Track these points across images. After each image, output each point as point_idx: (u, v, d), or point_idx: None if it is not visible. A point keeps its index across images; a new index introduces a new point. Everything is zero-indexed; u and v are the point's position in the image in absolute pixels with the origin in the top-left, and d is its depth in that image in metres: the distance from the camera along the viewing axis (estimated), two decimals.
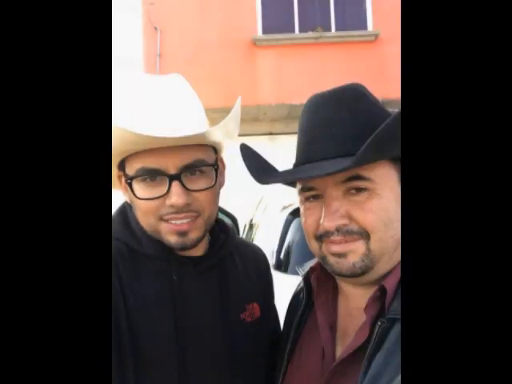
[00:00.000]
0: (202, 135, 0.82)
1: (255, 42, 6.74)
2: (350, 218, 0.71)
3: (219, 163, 0.94)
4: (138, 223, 0.89)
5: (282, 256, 2.44)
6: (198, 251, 0.94)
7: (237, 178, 2.08)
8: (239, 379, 0.92)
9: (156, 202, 0.84)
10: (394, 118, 0.63)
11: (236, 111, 0.90)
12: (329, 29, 6.93)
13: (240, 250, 1.06)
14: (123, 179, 0.89)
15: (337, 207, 0.72)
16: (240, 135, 0.98)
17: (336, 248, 0.73)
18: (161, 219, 0.85)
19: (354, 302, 0.79)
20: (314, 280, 0.85)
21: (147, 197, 0.84)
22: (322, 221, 0.73)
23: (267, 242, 2.51)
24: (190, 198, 0.84)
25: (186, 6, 6.75)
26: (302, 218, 0.79)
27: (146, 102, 0.84)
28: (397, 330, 0.65)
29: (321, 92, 0.78)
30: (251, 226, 3.98)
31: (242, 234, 4.24)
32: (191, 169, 0.84)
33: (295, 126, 0.81)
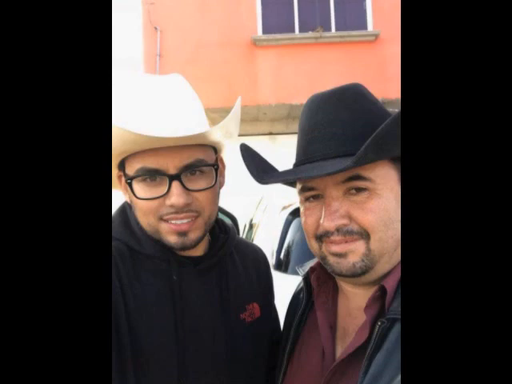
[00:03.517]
0: (202, 135, 0.82)
1: (255, 42, 6.74)
2: (350, 217, 0.71)
3: (219, 163, 0.94)
4: (138, 223, 0.89)
5: (282, 256, 2.44)
6: (198, 251, 0.94)
7: (237, 178, 2.08)
8: (239, 379, 0.92)
9: (156, 202, 0.84)
10: (393, 118, 0.63)
11: (236, 111, 0.90)
12: (329, 29, 6.93)
13: (240, 249, 1.06)
14: (123, 179, 0.89)
15: (337, 207, 0.72)
16: (240, 135, 0.98)
17: (336, 248, 0.73)
18: (161, 219, 0.85)
19: (354, 302, 0.79)
20: (314, 280, 0.85)
21: (147, 197, 0.84)
22: (322, 221, 0.73)
23: (267, 242, 2.51)
24: (190, 197, 0.84)
25: (186, 6, 6.75)
26: (302, 218, 0.79)
27: (146, 102, 0.84)
28: (397, 330, 0.65)
29: (321, 92, 0.78)
30: (251, 226, 3.98)
31: (242, 234, 4.23)
32: (191, 169, 0.84)
33: (295, 126, 0.81)
